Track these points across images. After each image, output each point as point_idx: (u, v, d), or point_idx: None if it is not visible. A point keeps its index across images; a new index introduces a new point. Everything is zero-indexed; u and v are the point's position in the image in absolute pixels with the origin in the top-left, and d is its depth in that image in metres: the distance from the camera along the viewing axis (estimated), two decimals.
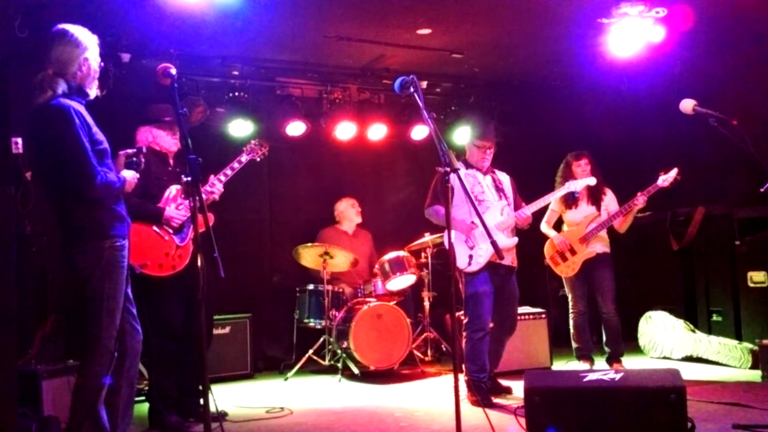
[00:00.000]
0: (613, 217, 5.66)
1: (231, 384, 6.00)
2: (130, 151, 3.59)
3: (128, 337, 3.50)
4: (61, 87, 3.31)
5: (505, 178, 5.20)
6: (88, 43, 3.43)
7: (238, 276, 6.47)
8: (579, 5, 5.32)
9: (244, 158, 4.82)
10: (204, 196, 4.45)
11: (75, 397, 3.34)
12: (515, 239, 5.00)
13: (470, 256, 4.84)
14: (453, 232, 4.84)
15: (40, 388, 4.20)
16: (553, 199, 5.42)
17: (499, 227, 4.89)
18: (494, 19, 5.67)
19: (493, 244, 3.62)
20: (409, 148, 7.63)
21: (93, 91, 3.48)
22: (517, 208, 5.11)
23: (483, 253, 4.82)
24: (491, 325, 4.94)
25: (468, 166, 5.07)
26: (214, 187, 4.57)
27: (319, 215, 7.22)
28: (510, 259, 4.97)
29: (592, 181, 5.38)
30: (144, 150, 3.66)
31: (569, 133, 7.14)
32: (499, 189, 5.05)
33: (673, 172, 5.50)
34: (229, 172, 4.66)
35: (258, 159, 4.96)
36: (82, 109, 3.36)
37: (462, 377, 4.78)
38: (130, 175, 3.51)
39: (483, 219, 3.75)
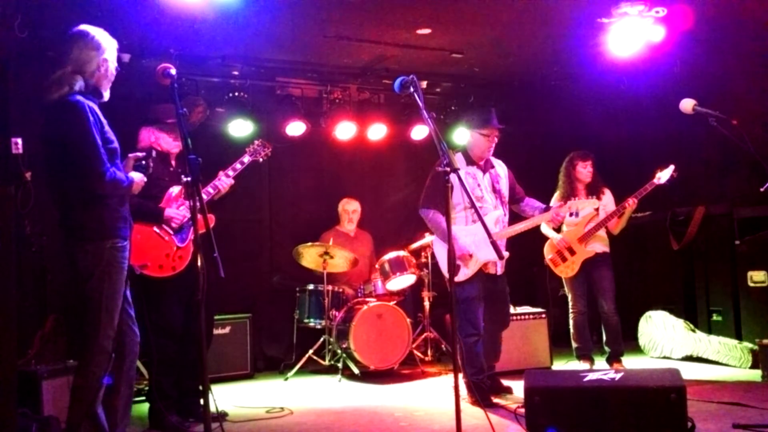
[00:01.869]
0: (608, 217, 5.66)
1: (231, 384, 6.00)
2: (139, 154, 3.63)
3: (127, 338, 3.51)
4: (78, 84, 3.36)
5: (502, 172, 5.07)
6: (108, 45, 3.50)
7: (238, 276, 6.48)
8: (579, 5, 5.32)
9: (246, 159, 4.81)
10: (212, 190, 4.50)
11: (73, 397, 3.35)
12: (506, 254, 4.85)
13: (458, 266, 4.76)
14: (443, 243, 4.81)
15: (40, 388, 4.20)
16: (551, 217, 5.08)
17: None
18: (494, 19, 5.66)
19: (493, 243, 3.61)
20: (409, 148, 7.63)
21: (107, 94, 3.53)
22: (514, 200, 5.04)
23: (471, 265, 4.78)
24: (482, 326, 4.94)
25: (469, 160, 4.96)
26: (219, 183, 4.57)
27: (319, 215, 7.23)
28: (499, 269, 4.90)
29: (596, 204, 5.26)
30: (153, 154, 3.68)
31: (569, 133, 7.14)
32: (496, 191, 4.95)
33: (670, 169, 5.49)
34: (231, 172, 4.67)
35: (261, 160, 4.96)
36: (96, 107, 3.41)
37: (461, 378, 4.78)
38: (138, 177, 3.55)
39: (484, 221, 3.74)
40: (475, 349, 4.82)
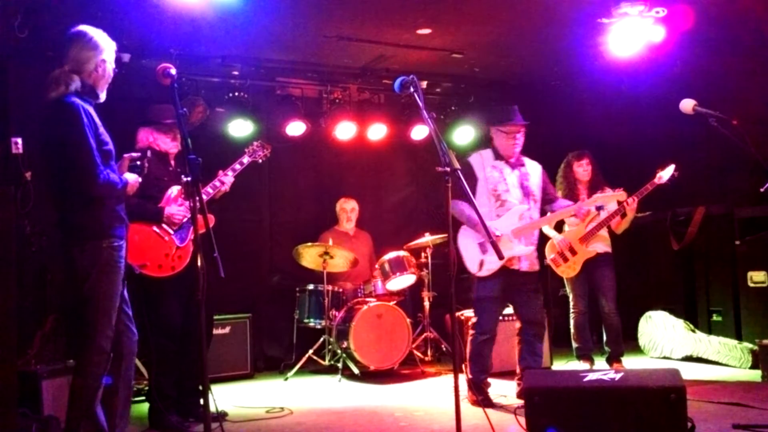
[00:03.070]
0: (609, 217, 5.65)
1: (231, 384, 6.00)
2: (134, 154, 3.63)
3: (124, 338, 3.51)
4: (75, 84, 3.36)
5: (534, 171, 4.92)
6: (106, 46, 3.50)
7: (238, 276, 6.47)
8: (579, 5, 5.32)
9: (245, 159, 4.82)
10: (211, 190, 4.50)
11: (72, 397, 3.35)
12: (531, 248, 4.76)
13: (481, 262, 4.69)
14: (467, 235, 4.80)
15: (40, 388, 4.20)
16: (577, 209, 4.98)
17: (516, 234, 4.69)
18: (494, 19, 5.66)
19: (493, 243, 3.60)
20: (409, 148, 7.63)
21: (103, 95, 3.53)
22: (546, 201, 4.93)
23: (495, 260, 4.56)
24: (517, 325, 4.92)
25: (497, 156, 4.85)
26: (217, 188, 4.57)
27: (319, 215, 7.23)
28: (528, 265, 4.77)
29: (622, 196, 5.18)
30: (149, 155, 3.68)
31: (569, 133, 7.14)
32: (524, 187, 4.82)
33: (671, 169, 5.47)
34: (230, 173, 4.67)
35: (260, 161, 4.96)
36: (91, 109, 3.41)
37: (463, 377, 4.78)
38: (132, 179, 3.55)
39: (483, 219, 3.71)
40: (483, 349, 4.79)
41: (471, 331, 4.86)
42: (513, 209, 4.74)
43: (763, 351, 5.16)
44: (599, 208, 5.22)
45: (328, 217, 7.11)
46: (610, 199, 5.09)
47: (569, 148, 6.03)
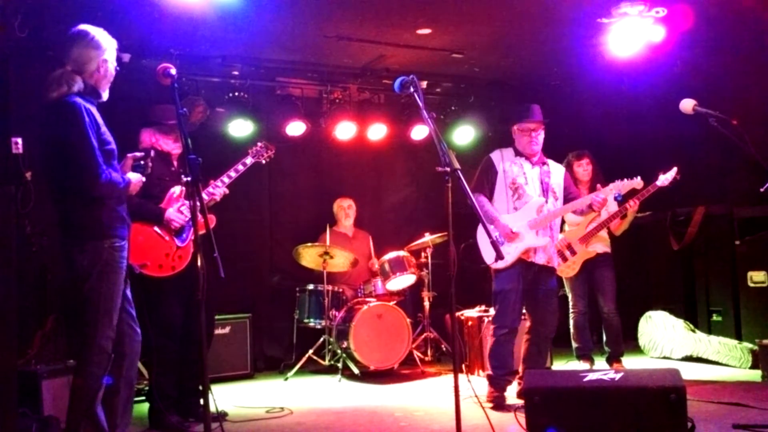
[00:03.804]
0: (610, 218, 5.65)
1: (231, 384, 6.00)
2: (138, 154, 3.62)
3: (127, 338, 3.51)
4: (77, 85, 3.36)
5: (556, 171, 4.94)
6: (108, 45, 3.49)
7: (238, 276, 6.47)
8: (579, 5, 5.32)
9: (249, 160, 4.81)
10: (206, 197, 4.47)
11: (72, 397, 3.35)
12: (546, 240, 4.76)
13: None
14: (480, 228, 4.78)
15: (40, 388, 4.20)
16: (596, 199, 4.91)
17: (532, 225, 4.70)
18: (494, 19, 5.67)
19: (493, 243, 3.59)
20: (409, 148, 7.63)
21: (105, 94, 3.52)
22: (568, 200, 4.91)
23: (511, 251, 4.67)
24: (528, 323, 4.90)
25: (517, 153, 4.87)
26: (217, 189, 4.56)
27: (319, 215, 7.22)
28: (544, 258, 4.77)
29: (640, 184, 5.14)
30: (152, 154, 3.68)
31: (569, 133, 7.12)
32: (544, 183, 4.82)
33: (672, 172, 5.48)
34: (233, 174, 4.65)
35: (263, 162, 4.95)
36: (93, 108, 3.41)
37: (463, 376, 4.78)
38: (135, 178, 3.54)
39: (481, 214, 3.70)
40: (503, 344, 4.75)
41: (491, 326, 4.84)
42: (530, 202, 4.75)
43: (763, 351, 5.16)
44: (617, 198, 5.19)
45: (328, 217, 7.11)
46: (627, 187, 5.01)
47: (569, 148, 6.03)
